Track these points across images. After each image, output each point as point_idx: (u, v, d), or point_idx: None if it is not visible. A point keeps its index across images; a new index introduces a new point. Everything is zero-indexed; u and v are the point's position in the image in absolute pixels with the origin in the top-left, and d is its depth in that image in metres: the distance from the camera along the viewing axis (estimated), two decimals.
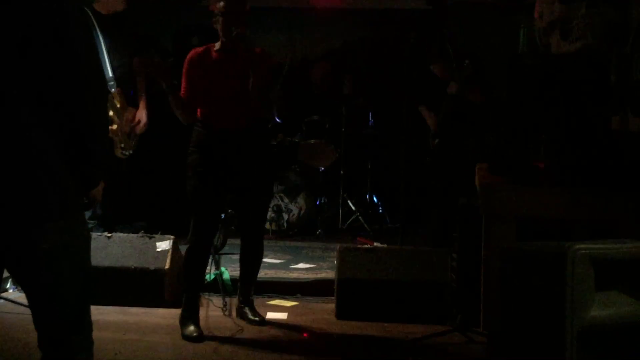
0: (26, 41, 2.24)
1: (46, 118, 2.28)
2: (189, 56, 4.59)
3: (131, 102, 5.91)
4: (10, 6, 2.24)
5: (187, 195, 4.59)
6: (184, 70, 4.56)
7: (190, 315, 4.60)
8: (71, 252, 2.37)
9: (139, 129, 5.91)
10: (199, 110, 4.59)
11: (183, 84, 4.55)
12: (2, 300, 5.01)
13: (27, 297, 2.40)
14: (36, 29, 2.25)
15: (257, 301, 5.03)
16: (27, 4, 2.26)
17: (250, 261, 4.89)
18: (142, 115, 5.93)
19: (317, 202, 7.78)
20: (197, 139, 4.58)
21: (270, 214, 7.40)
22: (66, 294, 2.37)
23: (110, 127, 5.40)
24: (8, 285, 5.24)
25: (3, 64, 2.23)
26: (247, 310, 4.86)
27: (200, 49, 4.62)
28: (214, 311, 5.01)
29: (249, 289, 4.92)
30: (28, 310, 2.44)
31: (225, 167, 4.54)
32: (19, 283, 2.42)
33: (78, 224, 2.44)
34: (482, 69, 6.23)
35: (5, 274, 2.56)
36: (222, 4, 4.50)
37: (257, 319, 4.80)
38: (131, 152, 5.87)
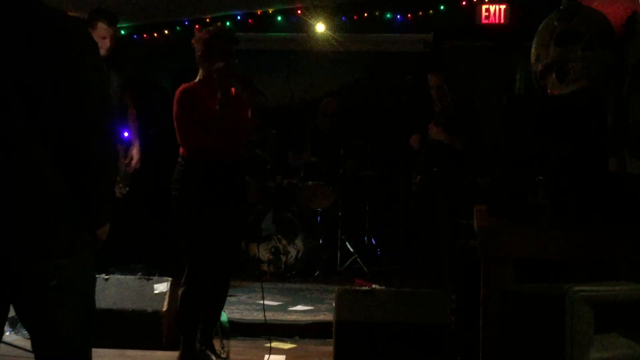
0: (42, 79, 2.25)
1: (56, 154, 2.29)
2: (181, 92, 4.56)
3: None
4: (33, 42, 2.25)
5: (182, 237, 4.57)
6: (179, 105, 4.52)
7: (188, 358, 4.57)
8: (78, 290, 2.37)
9: (132, 167, 5.94)
10: (185, 149, 4.56)
11: (186, 118, 4.52)
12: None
13: (30, 334, 2.39)
14: (54, 65, 2.26)
15: (256, 343, 4.99)
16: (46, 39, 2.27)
17: (220, 298, 4.83)
18: (134, 153, 5.96)
19: (315, 244, 7.76)
20: (186, 176, 4.54)
21: (268, 256, 7.39)
22: (70, 332, 2.36)
23: None
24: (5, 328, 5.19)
25: (17, 100, 2.23)
26: (209, 352, 4.75)
27: (185, 87, 4.60)
28: None
29: (212, 328, 4.84)
30: (26, 354, 2.43)
31: (216, 202, 4.53)
32: (22, 319, 2.40)
33: (85, 262, 2.44)
34: (473, 115, 6.28)
35: None
36: (211, 41, 4.53)
37: None
38: (127, 189, 5.89)
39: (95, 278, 2.54)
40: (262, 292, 4.93)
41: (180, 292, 4.64)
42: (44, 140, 2.27)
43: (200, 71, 4.64)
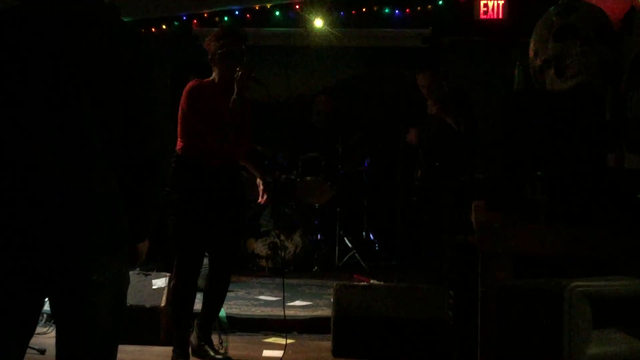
0: (107, 78, 2.32)
1: (114, 152, 2.34)
2: (192, 88, 4.56)
3: None
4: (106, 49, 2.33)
5: (172, 233, 4.56)
6: (189, 101, 4.53)
7: (181, 353, 4.56)
8: (114, 288, 2.39)
9: None
10: (184, 145, 4.57)
11: (191, 115, 4.52)
12: None
13: (60, 328, 2.39)
14: (118, 65, 2.34)
15: (253, 339, 4.99)
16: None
17: (220, 294, 4.82)
18: None
19: (313, 240, 7.76)
20: (183, 177, 4.54)
21: (266, 251, 7.39)
22: (101, 329, 2.36)
23: None
24: None
25: (69, 97, 2.28)
26: (207, 348, 4.75)
27: (198, 83, 4.61)
28: None
29: (211, 324, 4.84)
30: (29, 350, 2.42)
31: (212, 203, 4.53)
32: (56, 313, 2.40)
33: (124, 263, 2.46)
34: (469, 109, 6.28)
35: None
36: (222, 42, 4.54)
37: (220, 357, 4.72)
38: None
39: (129, 279, 2.54)
40: (284, 285, 4.92)
41: (170, 287, 4.65)
42: (105, 137, 2.31)
43: (215, 72, 4.66)
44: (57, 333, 2.40)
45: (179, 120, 4.59)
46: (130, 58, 2.38)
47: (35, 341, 4.06)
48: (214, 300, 4.82)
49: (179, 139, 4.61)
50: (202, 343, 4.76)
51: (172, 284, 4.68)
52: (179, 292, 4.61)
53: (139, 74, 2.39)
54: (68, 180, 2.26)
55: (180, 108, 4.56)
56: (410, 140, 6.57)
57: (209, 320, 4.82)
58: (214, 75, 4.67)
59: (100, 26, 2.37)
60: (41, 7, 2.33)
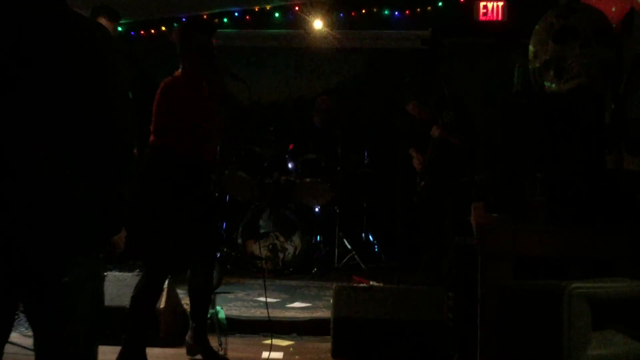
0: (63, 77, 2.27)
1: (82, 152, 2.31)
2: (169, 84, 4.53)
3: None
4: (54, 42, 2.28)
5: (149, 229, 4.48)
6: (165, 97, 4.49)
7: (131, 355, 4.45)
8: (89, 289, 2.38)
9: None
10: (164, 139, 4.49)
11: (165, 109, 4.48)
12: None
13: (36, 331, 2.37)
14: (73, 66, 2.29)
15: (252, 340, 4.98)
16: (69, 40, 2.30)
17: (207, 289, 4.77)
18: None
19: (313, 241, 7.76)
20: (166, 170, 4.47)
21: (265, 253, 7.39)
22: (77, 330, 2.35)
23: None
24: None
25: (42, 99, 2.26)
26: (204, 348, 4.70)
27: (173, 79, 4.57)
28: None
29: (204, 323, 4.78)
30: (23, 351, 2.41)
31: (193, 196, 4.48)
32: (31, 316, 2.38)
33: (97, 262, 2.44)
34: (466, 115, 6.28)
35: None
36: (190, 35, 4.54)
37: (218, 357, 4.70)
38: None
39: (104, 278, 2.54)
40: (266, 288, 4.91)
41: (136, 287, 4.54)
42: (75, 135, 2.29)
43: (182, 65, 4.60)
44: (34, 337, 2.38)
45: (153, 118, 4.54)
46: (99, 57, 2.33)
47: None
48: (205, 294, 4.77)
49: (152, 135, 4.55)
50: (198, 344, 4.73)
51: (145, 279, 4.54)
52: (153, 288, 4.52)
53: (109, 73, 2.35)
54: (39, 181, 2.25)
55: (154, 104, 4.52)
56: (416, 167, 6.57)
57: (203, 317, 4.77)
58: (181, 68, 4.62)
59: (68, 26, 2.33)
60: (5, 7, 2.30)
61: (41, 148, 2.26)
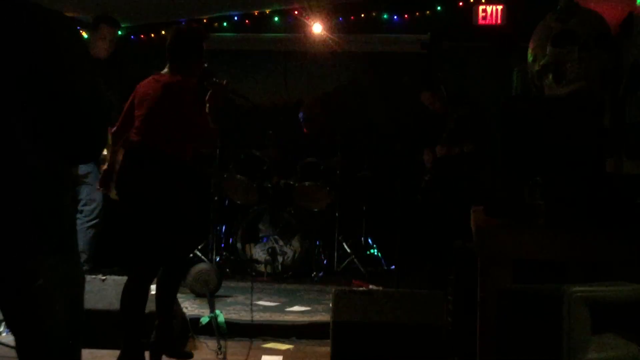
0: (26, 72, 2.22)
1: (46, 146, 2.25)
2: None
3: None
4: (10, 41, 2.23)
5: (135, 228, 4.49)
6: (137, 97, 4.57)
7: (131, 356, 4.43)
8: (65, 290, 2.31)
9: None
10: (137, 137, 4.49)
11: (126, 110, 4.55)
12: None
13: (16, 337, 2.33)
14: (34, 61, 2.23)
15: (253, 344, 4.97)
16: (20, 37, 2.24)
17: (174, 287, 4.72)
18: None
19: (312, 245, 7.75)
20: (127, 167, 4.47)
21: (264, 257, 7.39)
22: (56, 333, 2.30)
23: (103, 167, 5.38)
24: (2, 329, 5.17)
25: (14, 92, 2.21)
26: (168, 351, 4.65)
27: (152, 78, 4.64)
28: (208, 355, 4.98)
29: (170, 323, 4.70)
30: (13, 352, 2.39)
31: (151, 195, 4.43)
32: (9, 321, 2.35)
33: (74, 263, 2.40)
34: (479, 116, 6.29)
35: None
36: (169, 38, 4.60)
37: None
38: None
39: (84, 279, 2.49)
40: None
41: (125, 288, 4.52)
42: (41, 129, 2.23)
43: (168, 65, 4.63)
44: (15, 341, 2.34)
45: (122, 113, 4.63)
46: (61, 46, 2.27)
47: None
48: (171, 291, 4.72)
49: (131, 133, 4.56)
50: (160, 348, 4.64)
51: (133, 281, 4.51)
52: (129, 291, 4.48)
53: (74, 62, 2.29)
54: (3, 180, 2.19)
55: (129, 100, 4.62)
56: (427, 163, 6.59)
57: (168, 317, 4.69)
58: (167, 68, 4.64)
59: (29, 16, 2.26)
60: None
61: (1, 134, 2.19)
